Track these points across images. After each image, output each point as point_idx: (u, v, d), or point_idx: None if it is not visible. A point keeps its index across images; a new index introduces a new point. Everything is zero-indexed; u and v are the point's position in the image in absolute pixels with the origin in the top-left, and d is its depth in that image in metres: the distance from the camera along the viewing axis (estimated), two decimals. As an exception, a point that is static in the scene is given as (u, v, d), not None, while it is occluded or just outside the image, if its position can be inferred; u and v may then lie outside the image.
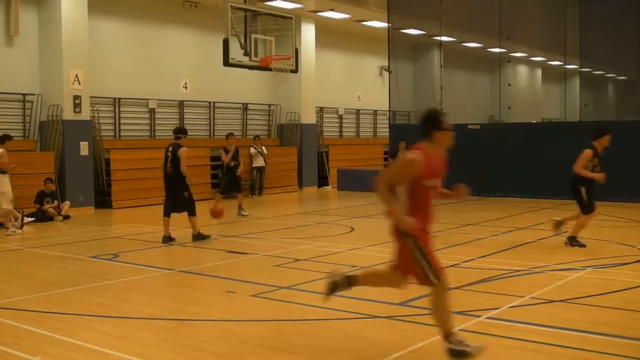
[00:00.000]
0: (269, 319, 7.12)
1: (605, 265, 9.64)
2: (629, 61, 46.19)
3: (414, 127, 24.42)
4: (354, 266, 9.75)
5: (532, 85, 38.38)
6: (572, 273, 9.03)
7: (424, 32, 28.29)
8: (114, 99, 20.29)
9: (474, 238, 12.48)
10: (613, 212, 16.04)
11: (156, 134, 21.46)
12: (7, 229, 14.20)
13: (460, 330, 6.49)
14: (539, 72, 38.98)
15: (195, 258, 10.88)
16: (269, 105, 25.51)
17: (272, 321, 7.05)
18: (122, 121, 20.56)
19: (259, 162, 22.91)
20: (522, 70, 37.29)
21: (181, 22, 22.14)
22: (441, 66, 29.32)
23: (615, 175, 18.37)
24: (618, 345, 6.05)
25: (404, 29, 27.29)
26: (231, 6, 16.26)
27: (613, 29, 42.99)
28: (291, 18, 18.02)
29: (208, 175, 21.87)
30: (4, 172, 14.30)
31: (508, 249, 11.21)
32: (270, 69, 17.42)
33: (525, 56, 36.25)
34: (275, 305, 7.76)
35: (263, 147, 23.01)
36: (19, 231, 14.20)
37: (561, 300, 7.55)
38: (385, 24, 25.30)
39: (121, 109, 20.52)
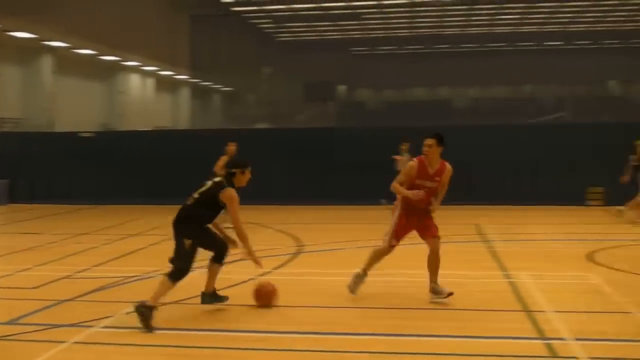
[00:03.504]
0: None
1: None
2: (235, 74, 49.72)
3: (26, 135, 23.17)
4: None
5: (145, 94, 39.01)
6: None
7: (36, 36, 26.95)
8: None
9: (89, 247, 12.34)
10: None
11: None
12: None
13: (75, 343, 6.45)
14: (151, 81, 39.77)
15: None
16: None
17: None
18: None
19: None
20: (135, 78, 37.69)
21: None
22: (53, 72, 28.37)
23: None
24: (227, 338, 6.59)
25: (12, 31, 25.74)
26: None
27: (223, 44, 45.88)
28: None
29: None
30: None
31: (123, 255, 11.32)
32: None
33: (138, 65, 36.70)
34: None
35: None
36: None
37: (175, 302, 7.88)
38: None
39: None
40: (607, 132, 19.29)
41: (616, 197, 17.91)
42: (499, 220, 15.82)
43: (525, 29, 51.89)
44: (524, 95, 57.82)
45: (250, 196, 19.07)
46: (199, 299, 7.72)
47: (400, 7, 44.00)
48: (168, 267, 7.24)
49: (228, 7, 42.65)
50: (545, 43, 54.66)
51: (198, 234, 7.43)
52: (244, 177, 7.72)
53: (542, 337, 6.43)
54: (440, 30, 51.59)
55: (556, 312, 7.28)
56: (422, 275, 9.30)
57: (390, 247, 8.07)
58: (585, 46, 54.84)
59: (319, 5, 42.20)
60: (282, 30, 51.67)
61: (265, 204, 18.06)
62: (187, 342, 6.55)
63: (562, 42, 54.80)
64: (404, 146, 18.18)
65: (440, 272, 8.84)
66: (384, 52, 57.14)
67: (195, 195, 7.55)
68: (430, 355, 6.08)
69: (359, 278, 8.15)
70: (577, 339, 6.30)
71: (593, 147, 18.47)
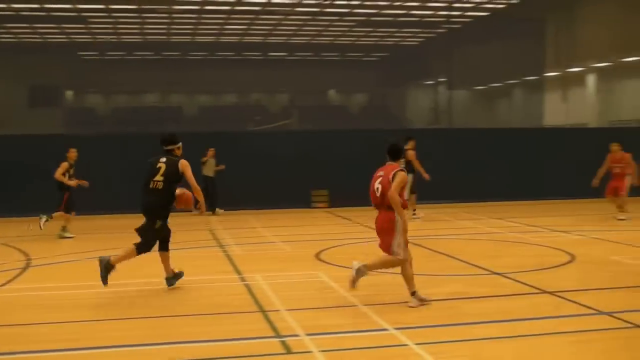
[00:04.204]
0: None
1: None
2: None
3: None
4: None
5: None
6: None
7: None
8: None
9: None
10: None
11: None
12: None
13: None
14: None
15: None
16: None
17: None
18: None
19: None
20: None
21: None
22: None
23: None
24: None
25: None
26: None
27: None
28: None
29: None
30: None
31: None
32: None
33: None
34: None
35: None
36: None
37: None
38: None
39: None
40: (329, 138, 20.70)
41: (338, 200, 19.34)
42: (232, 225, 16.24)
43: (251, 39, 53.59)
44: (251, 103, 59.78)
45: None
46: None
47: (129, 13, 43.13)
48: None
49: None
50: (270, 53, 56.90)
51: (165, 219, 8.85)
52: (179, 150, 9.02)
53: (278, 335, 6.77)
54: (170, 37, 51.48)
55: (289, 310, 7.71)
56: (156, 282, 9.31)
57: (406, 260, 7.86)
58: (307, 57, 57.99)
59: (42, 6, 39.89)
60: (1, 31, 48.05)
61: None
62: None
63: (286, 53, 57.44)
64: (210, 152, 18.30)
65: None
66: (114, 57, 55.62)
67: (158, 178, 8.66)
68: (170, 362, 6.14)
69: (361, 273, 7.89)
70: (309, 334, 6.74)
71: (317, 152, 19.71)
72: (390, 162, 8.09)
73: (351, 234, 14.62)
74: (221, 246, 12.83)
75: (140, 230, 8.75)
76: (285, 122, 47.57)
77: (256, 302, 8.20)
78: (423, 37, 54.08)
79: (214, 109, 56.37)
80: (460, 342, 6.52)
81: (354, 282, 7.86)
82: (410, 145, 16.53)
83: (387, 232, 7.87)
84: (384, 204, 7.86)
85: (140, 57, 55.26)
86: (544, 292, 8.47)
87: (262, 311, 7.72)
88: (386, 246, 7.89)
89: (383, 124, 47.17)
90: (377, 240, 8.04)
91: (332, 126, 40.59)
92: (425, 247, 12.28)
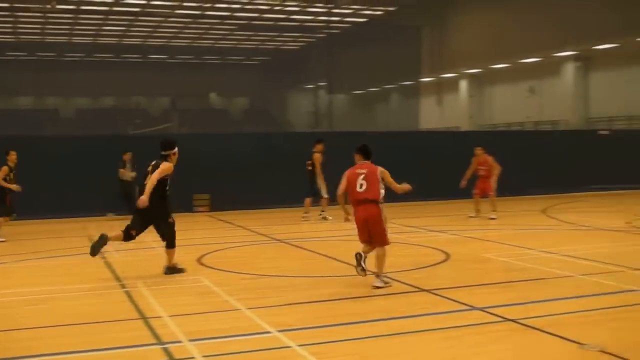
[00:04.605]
0: None
1: None
2: None
3: None
4: None
5: None
6: None
7: None
8: None
9: None
10: None
11: None
12: None
13: None
14: None
15: None
16: None
17: None
18: None
19: None
20: None
21: None
22: None
23: None
24: None
25: None
26: None
27: None
28: None
29: None
30: None
31: None
32: None
33: None
34: None
35: None
36: None
37: None
38: None
39: None
40: (210, 142, 20.58)
41: (220, 204, 19.27)
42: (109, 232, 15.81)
43: (130, 41, 52.47)
44: (131, 105, 58.46)
45: None
46: None
47: (1, 11, 41.23)
48: None
49: None
50: (149, 56, 55.87)
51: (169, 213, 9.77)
52: (175, 157, 9.78)
53: (159, 342, 6.68)
54: (45, 37, 49.59)
55: (172, 316, 7.62)
56: (36, 292, 9.00)
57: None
58: (188, 60, 57.33)
59: None
60: None
61: None
62: None
63: (166, 56, 56.56)
64: (126, 156, 17.71)
65: (50, 287, 8.66)
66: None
67: (146, 181, 9.48)
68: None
69: (382, 278, 8.89)
70: (192, 340, 6.70)
71: (198, 156, 19.52)
72: (364, 161, 9.14)
73: (233, 237, 14.61)
74: (99, 253, 12.49)
75: (160, 233, 9.84)
76: (166, 125, 46.85)
77: (137, 309, 8.06)
78: (304, 41, 54.72)
79: (93, 112, 54.81)
80: (341, 341, 6.67)
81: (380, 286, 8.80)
82: (317, 148, 16.70)
83: (378, 223, 8.81)
84: (368, 199, 8.79)
85: (13, 58, 52.92)
86: (422, 290, 8.78)
87: (144, 318, 7.61)
88: (380, 236, 8.86)
89: (264, 127, 47.37)
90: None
91: (214, 129, 40.32)
92: (306, 249, 12.44)
